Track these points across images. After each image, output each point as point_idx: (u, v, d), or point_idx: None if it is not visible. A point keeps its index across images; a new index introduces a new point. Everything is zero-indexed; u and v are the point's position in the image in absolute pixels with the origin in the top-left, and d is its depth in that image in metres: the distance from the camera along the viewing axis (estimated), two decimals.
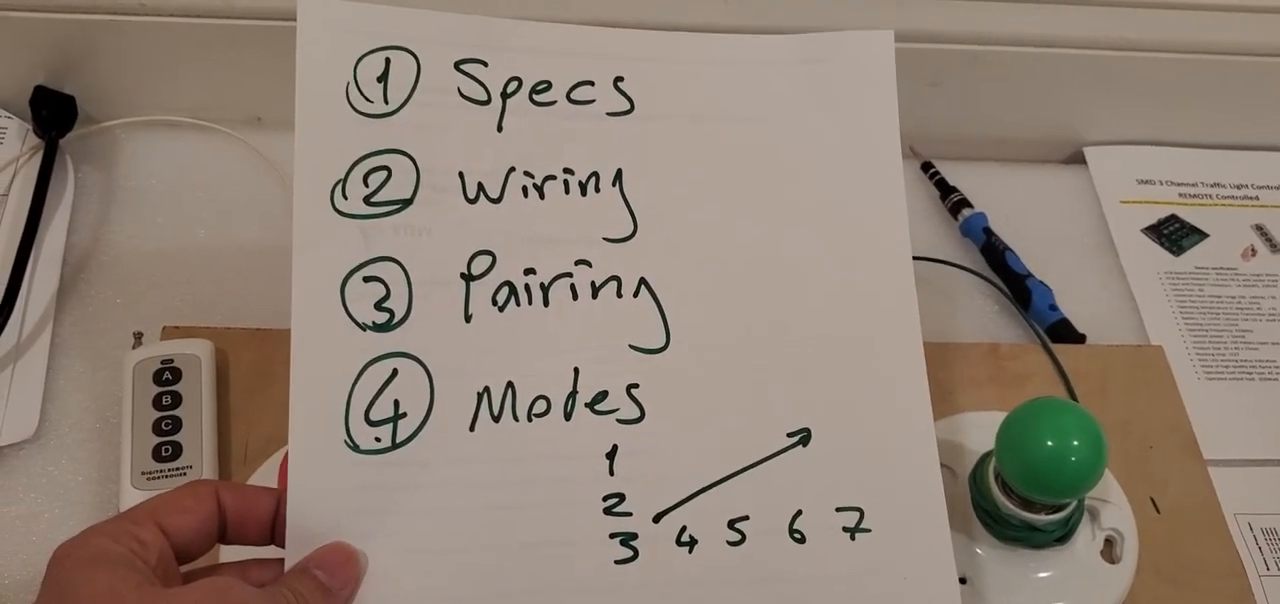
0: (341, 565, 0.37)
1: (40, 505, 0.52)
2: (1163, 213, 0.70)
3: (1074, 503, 0.50)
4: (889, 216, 0.46)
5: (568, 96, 0.44)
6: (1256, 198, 0.71)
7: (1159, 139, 0.73)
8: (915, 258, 0.64)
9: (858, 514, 0.42)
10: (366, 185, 0.41)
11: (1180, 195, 0.71)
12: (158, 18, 0.62)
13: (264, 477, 0.50)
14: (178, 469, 0.50)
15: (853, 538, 0.41)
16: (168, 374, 0.53)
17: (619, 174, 0.43)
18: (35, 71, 0.64)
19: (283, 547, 0.38)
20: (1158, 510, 0.55)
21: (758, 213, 0.45)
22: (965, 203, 0.67)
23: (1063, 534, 0.50)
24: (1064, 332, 0.62)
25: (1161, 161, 0.72)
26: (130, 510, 0.36)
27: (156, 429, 0.51)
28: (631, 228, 0.43)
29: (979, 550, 0.51)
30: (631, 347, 0.42)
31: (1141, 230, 0.69)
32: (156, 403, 0.52)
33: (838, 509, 0.42)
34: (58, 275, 0.59)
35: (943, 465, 0.52)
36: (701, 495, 0.41)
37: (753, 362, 0.43)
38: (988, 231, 0.66)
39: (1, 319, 0.55)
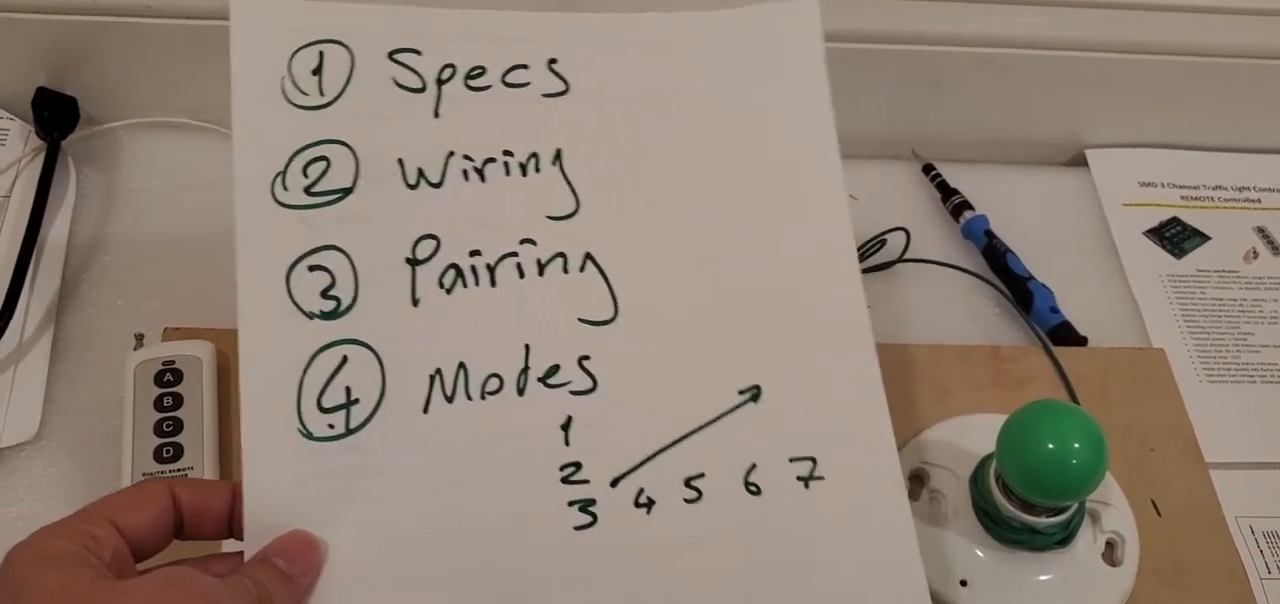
0: (302, 553, 0.37)
1: (41, 507, 0.52)
2: (1164, 215, 0.70)
3: (1075, 505, 0.50)
4: (825, 177, 0.46)
5: (503, 80, 0.44)
6: (1258, 201, 0.71)
7: (1161, 141, 0.72)
8: (917, 260, 0.65)
9: (811, 463, 0.42)
10: (306, 176, 0.41)
11: (1182, 198, 0.71)
12: (160, 19, 0.62)
13: None
14: (179, 470, 0.51)
15: (807, 486, 0.42)
16: (169, 375, 0.53)
17: (558, 153, 0.44)
18: (37, 73, 0.64)
19: (241, 540, 0.38)
20: (1159, 513, 0.55)
21: (696, 183, 0.45)
22: (966, 205, 0.67)
23: (1064, 537, 0.50)
24: (1065, 334, 0.62)
25: (1163, 164, 0.72)
26: (84, 510, 0.36)
27: (158, 430, 0.51)
28: (574, 205, 0.44)
29: (980, 552, 0.51)
30: (580, 320, 0.42)
31: (1143, 233, 0.69)
32: (158, 404, 0.52)
33: (791, 459, 0.42)
34: (59, 276, 0.59)
35: (943, 467, 0.53)
36: (657, 457, 0.41)
37: (700, 325, 0.44)
38: (989, 234, 0.66)
39: (3, 321, 0.55)
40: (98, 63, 0.64)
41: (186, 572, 0.35)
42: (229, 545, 0.39)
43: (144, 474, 0.50)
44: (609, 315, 0.43)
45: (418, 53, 0.43)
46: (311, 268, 0.40)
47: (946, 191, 0.68)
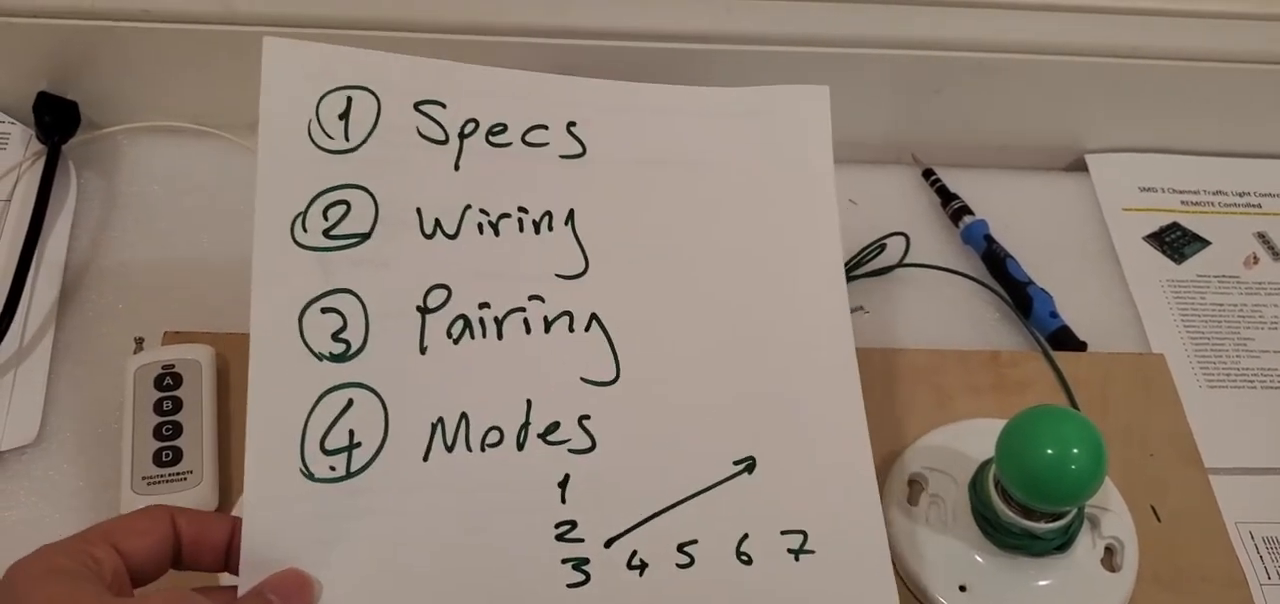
0: (296, 591, 0.38)
1: (41, 510, 0.52)
2: (1164, 220, 0.70)
3: (1074, 511, 0.50)
4: (825, 257, 0.48)
5: (523, 139, 0.45)
6: (1259, 205, 0.71)
7: (1161, 146, 0.72)
8: (918, 265, 0.65)
9: (801, 536, 0.43)
10: (326, 219, 0.42)
11: (1182, 203, 0.71)
12: (160, 24, 0.62)
13: None
14: (178, 474, 0.51)
15: (797, 559, 0.43)
16: (168, 379, 0.53)
17: (571, 214, 0.45)
18: (38, 77, 0.64)
19: (236, 574, 0.38)
20: (1158, 518, 0.55)
21: (702, 252, 0.47)
22: (966, 210, 0.67)
23: (1063, 542, 0.50)
24: (1065, 339, 0.62)
25: (1163, 169, 0.72)
26: (84, 532, 0.36)
27: (157, 434, 0.52)
28: (583, 266, 0.45)
29: (979, 558, 0.51)
30: (583, 379, 0.43)
31: (1143, 238, 0.69)
32: (157, 408, 0.52)
33: (782, 532, 0.43)
34: (60, 280, 0.59)
35: (942, 472, 0.53)
36: (651, 521, 0.42)
37: (699, 393, 0.45)
38: (989, 239, 0.66)
39: (3, 324, 0.55)
40: (99, 67, 0.64)
41: (190, 594, 0.35)
42: (225, 579, 0.39)
43: (143, 478, 0.50)
44: (611, 377, 0.44)
45: (443, 105, 0.44)
46: (324, 310, 0.41)
47: (946, 196, 0.68)
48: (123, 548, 0.36)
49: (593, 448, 0.42)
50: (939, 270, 0.65)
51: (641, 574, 0.41)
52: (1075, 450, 0.46)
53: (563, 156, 0.46)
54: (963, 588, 0.50)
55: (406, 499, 0.40)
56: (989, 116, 0.69)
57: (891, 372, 0.58)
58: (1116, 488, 0.53)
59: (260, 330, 0.40)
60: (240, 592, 0.38)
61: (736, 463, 0.44)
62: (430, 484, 0.40)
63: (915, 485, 0.54)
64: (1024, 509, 0.48)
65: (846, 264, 0.64)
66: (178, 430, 0.52)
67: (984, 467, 0.51)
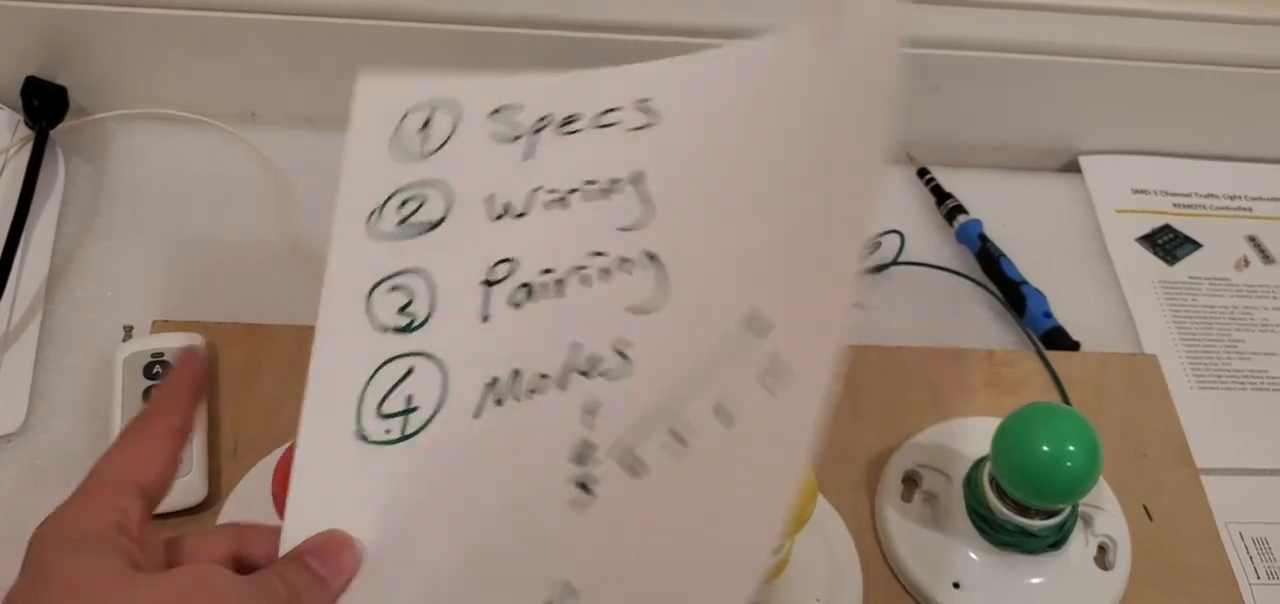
0: (335, 553, 0.37)
1: (26, 498, 0.51)
2: (1157, 222, 0.70)
3: (1068, 509, 0.50)
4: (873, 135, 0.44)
5: (594, 122, 0.46)
6: (1250, 209, 0.71)
7: (1154, 149, 0.73)
8: (911, 263, 0.65)
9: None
10: (401, 211, 0.44)
11: (1174, 205, 0.71)
12: (151, 9, 0.61)
13: (260, 475, 0.50)
14: None
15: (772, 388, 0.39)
16: (158, 368, 0.53)
17: (639, 175, 0.45)
18: (27, 61, 0.64)
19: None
20: (1151, 518, 0.55)
21: (765, 190, 0.44)
22: (961, 209, 0.67)
23: (1057, 540, 0.50)
24: (1058, 339, 0.62)
25: (1156, 171, 0.72)
26: (103, 477, 0.35)
27: None
28: (646, 216, 0.44)
29: (973, 555, 0.50)
30: (627, 308, 0.42)
31: (1136, 239, 0.69)
32: (146, 397, 0.52)
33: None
34: (47, 267, 0.59)
35: (937, 470, 0.53)
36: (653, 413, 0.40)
37: (738, 297, 0.42)
38: (983, 238, 0.66)
39: None
40: (89, 52, 0.64)
41: (211, 569, 0.35)
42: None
43: None
44: (661, 303, 0.43)
45: (520, 107, 0.46)
46: (393, 288, 0.42)
47: (941, 196, 0.68)
48: (145, 484, 0.35)
49: (629, 368, 0.41)
50: (933, 269, 0.65)
51: (637, 476, 0.39)
52: (1071, 447, 0.46)
53: (632, 128, 0.46)
54: (956, 585, 0.50)
55: (452, 457, 0.40)
56: (984, 116, 0.70)
57: (885, 369, 0.58)
58: (1109, 487, 0.54)
59: (328, 304, 0.41)
60: (283, 543, 0.37)
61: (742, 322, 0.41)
62: (476, 438, 0.40)
63: (909, 482, 0.53)
64: (1019, 506, 0.48)
65: None
66: None
67: (978, 464, 0.51)
